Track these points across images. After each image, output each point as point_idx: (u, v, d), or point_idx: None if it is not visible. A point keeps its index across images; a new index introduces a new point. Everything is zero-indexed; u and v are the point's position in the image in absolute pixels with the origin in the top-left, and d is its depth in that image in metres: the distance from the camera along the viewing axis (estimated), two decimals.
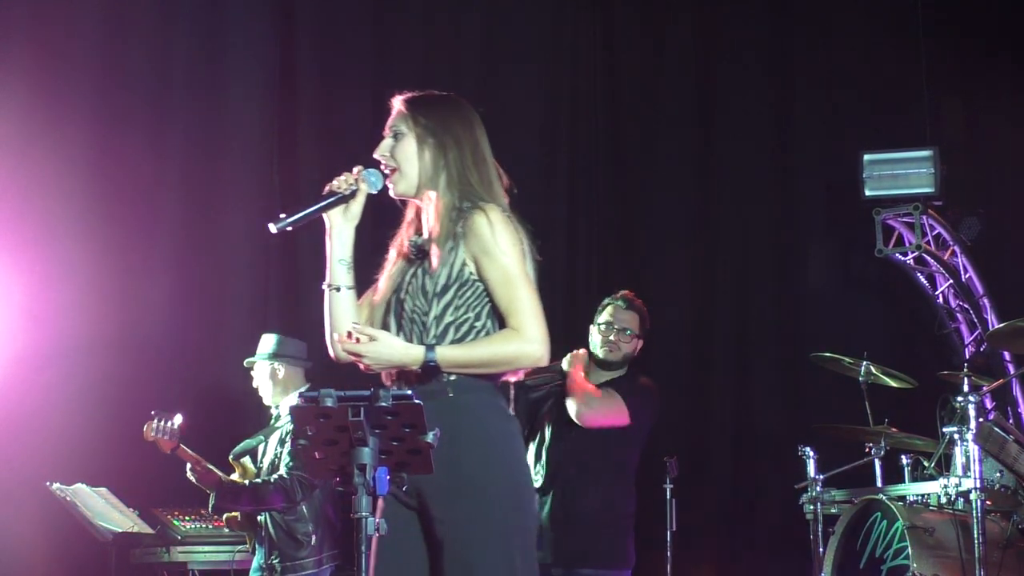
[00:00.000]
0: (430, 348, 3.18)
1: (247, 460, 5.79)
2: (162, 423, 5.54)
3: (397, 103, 3.45)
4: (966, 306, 7.53)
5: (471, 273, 3.26)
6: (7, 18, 6.64)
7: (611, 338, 5.47)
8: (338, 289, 3.36)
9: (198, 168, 7.07)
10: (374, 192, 3.36)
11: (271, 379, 5.83)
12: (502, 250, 3.24)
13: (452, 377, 3.21)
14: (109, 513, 6.03)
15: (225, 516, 5.83)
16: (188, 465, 5.57)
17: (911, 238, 7.42)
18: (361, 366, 3.24)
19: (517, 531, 3.19)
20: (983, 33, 7.67)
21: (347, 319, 3.33)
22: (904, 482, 5.54)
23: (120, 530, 5.99)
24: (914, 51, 7.79)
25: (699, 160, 8.12)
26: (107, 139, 6.78)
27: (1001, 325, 5.77)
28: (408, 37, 7.69)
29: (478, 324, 3.27)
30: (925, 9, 7.80)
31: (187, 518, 6.11)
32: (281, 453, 5.67)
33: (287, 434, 5.61)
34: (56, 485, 5.99)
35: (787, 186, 8.02)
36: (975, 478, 5.02)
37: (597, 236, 8.05)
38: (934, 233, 7.52)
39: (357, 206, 3.36)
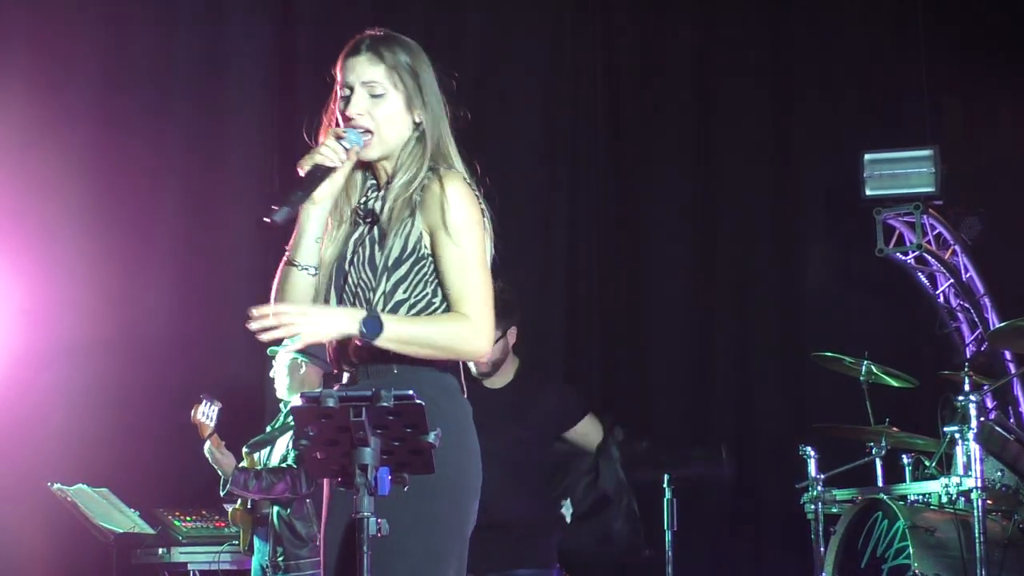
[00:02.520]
0: (373, 314, 2.89)
1: (257, 453, 5.79)
2: (208, 408, 5.56)
3: (367, 51, 3.09)
4: (967, 305, 7.52)
5: (426, 247, 2.98)
6: (7, 20, 6.64)
7: None
8: (304, 269, 3.03)
9: (198, 169, 7.06)
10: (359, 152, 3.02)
11: (290, 373, 5.82)
12: (459, 227, 2.93)
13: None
14: (110, 513, 6.03)
15: (230, 510, 5.83)
16: (207, 447, 5.56)
17: (912, 238, 7.41)
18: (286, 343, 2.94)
19: (454, 518, 3.00)
20: (983, 33, 7.67)
21: (302, 300, 3.03)
22: (905, 482, 5.54)
23: (121, 531, 5.99)
24: (914, 51, 7.78)
25: (699, 160, 8.11)
26: (107, 140, 6.77)
27: (1002, 324, 5.77)
28: (407, 36, 7.67)
29: (435, 301, 3.01)
30: (925, 9, 7.80)
31: (188, 519, 6.11)
32: (291, 447, 5.68)
33: None
34: (57, 485, 5.99)
35: (787, 186, 8.02)
36: (976, 477, 5.02)
37: (597, 236, 8.04)
38: (935, 232, 7.52)
39: (341, 176, 3.00)
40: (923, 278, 7.63)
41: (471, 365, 4.94)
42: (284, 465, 5.59)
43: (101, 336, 6.53)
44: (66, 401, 6.44)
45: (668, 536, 5.85)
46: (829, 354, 5.92)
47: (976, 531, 4.96)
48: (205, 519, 6.15)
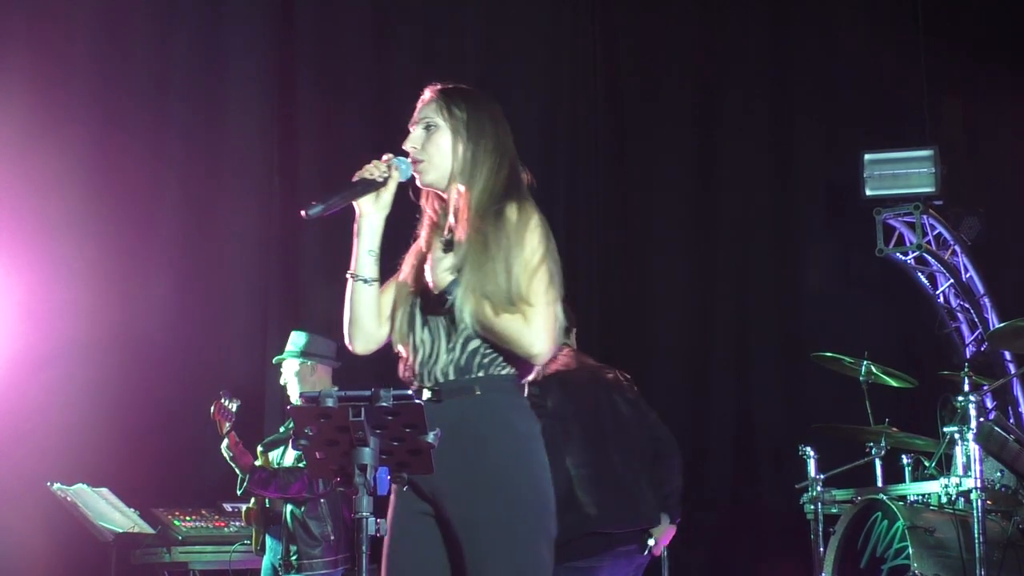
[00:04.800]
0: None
1: (271, 453, 5.79)
2: (227, 403, 5.58)
3: (429, 93, 3.36)
4: (967, 305, 7.53)
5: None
6: (7, 20, 6.64)
7: None
8: (365, 281, 3.30)
9: (198, 169, 7.06)
10: (404, 180, 3.29)
11: (300, 377, 5.83)
12: (530, 242, 3.17)
13: (480, 374, 3.16)
14: (110, 513, 6.03)
15: (244, 509, 5.83)
16: (225, 444, 5.56)
17: (911, 238, 7.42)
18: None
19: (539, 532, 3.12)
20: (983, 33, 7.68)
21: (369, 313, 3.29)
22: (905, 482, 5.54)
23: (121, 530, 5.99)
24: (914, 51, 7.79)
25: (699, 160, 8.12)
26: (107, 140, 6.77)
27: (1002, 324, 5.77)
28: (407, 38, 7.69)
29: None
30: (925, 9, 7.80)
31: (188, 518, 6.11)
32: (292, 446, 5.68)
33: None
34: (57, 485, 5.99)
35: (787, 186, 8.02)
36: (976, 478, 5.02)
37: (597, 236, 8.05)
38: (934, 233, 7.52)
39: (388, 195, 3.27)
40: (923, 278, 7.63)
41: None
42: (301, 465, 5.59)
43: (101, 336, 6.53)
44: (66, 401, 6.44)
45: None
46: (829, 354, 5.92)
47: (975, 531, 4.96)
48: (205, 519, 6.15)
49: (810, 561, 5.67)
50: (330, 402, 2.80)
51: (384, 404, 2.80)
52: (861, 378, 5.83)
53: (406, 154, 3.31)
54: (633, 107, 8.14)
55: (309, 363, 5.82)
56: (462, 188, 3.27)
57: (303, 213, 3.17)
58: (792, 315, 7.84)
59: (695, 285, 7.96)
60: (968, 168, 7.72)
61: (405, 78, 7.60)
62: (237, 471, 5.60)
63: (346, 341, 3.35)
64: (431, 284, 3.24)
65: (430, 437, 2.83)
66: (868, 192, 7.39)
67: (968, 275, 7.52)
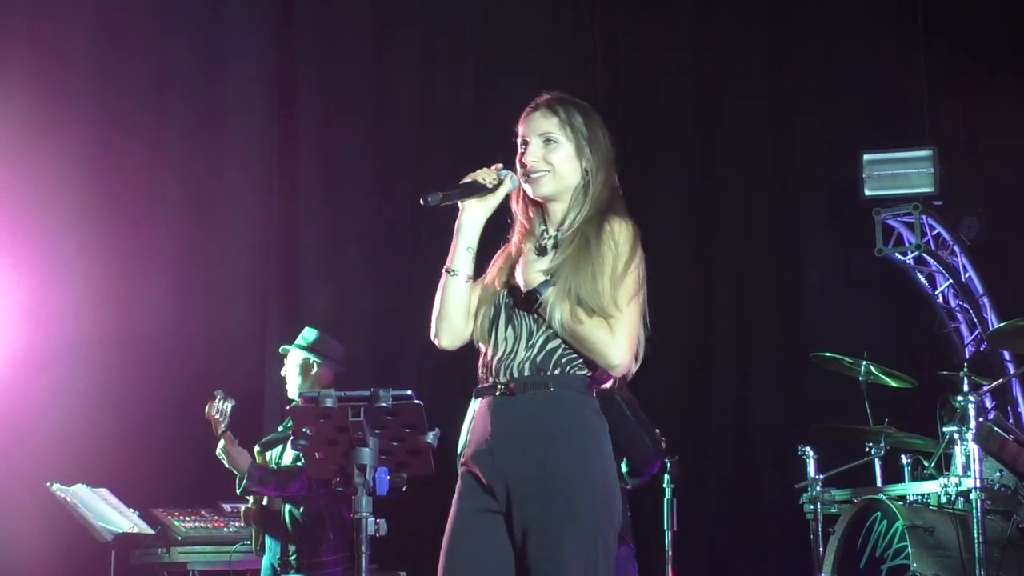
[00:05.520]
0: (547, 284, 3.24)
1: (269, 452, 5.79)
2: (222, 404, 5.58)
3: (544, 106, 3.45)
4: (966, 305, 7.52)
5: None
6: (7, 20, 6.64)
7: None
8: (459, 275, 3.36)
9: (198, 169, 7.07)
10: (511, 191, 3.41)
11: (302, 372, 5.82)
12: (629, 255, 3.31)
13: (556, 372, 3.23)
14: (109, 513, 6.03)
15: (243, 509, 5.83)
16: (220, 445, 5.55)
17: (911, 238, 7.42)
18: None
19: (607, 528, 3.19)
20: (983, 33, 7.67)
21: (459, 308, 3.35)
22: (904, 482, 5.54)
23: (120, 530, 5.99)
24: (914, 51, 7.79)
25: (699, 160, 8.11)
26: (107, 141, 6.78)
27: (1001, 324, 5.77)
28: (407, 38, 7.69)
29: None
30: (925, 9, 7.80)
31: (187, 519, 6.10)
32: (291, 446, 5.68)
33: None
34: (56, 485, 5.99)
35: (787, 186, 8.02)
36: (975, 478, 5.02)
37: None
38: (934, 233, 7.52)
39: (495, 199, 3.38)
40: (922, 278, 7.63)
41: None
42: (299, 464, 5.59)
43: (101, 336, 6.53)
44: (66, 401, 6.44)
45: (668, 536, 5.85)
46: (828, 354, 5.92)
47: (975, 531, 4.97)
48: (204, 519, 6.14)
49: (810, 561, 5.67)
50: (329, 402, 2.81)
51: (383, 404, 2.80)
52: (860, 378, 5.84)
53: (508, 165, 3.41)
54: (633, 107, 8.14)
55: (313, 359, 5.81)
56: (568, 199, 3.39)
57: (422, 200, 3.27)
58: (792, 315, 7.84)
59: (695, 285, 7.96)
60: (968, 168, 7.71)
61: (405, 78, 7.61)
62: (234, 471, 5.60)
63: (432, 335, 3.39)
64: (522, 284, 3.31)
65: (429, 437, 2.84)
66: (867, 192, 7.39)
67: (967, 275, 7.52)
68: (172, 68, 7.11)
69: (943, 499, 5.18)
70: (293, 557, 5.62)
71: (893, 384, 5.94)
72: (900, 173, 7.35)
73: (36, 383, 6.43)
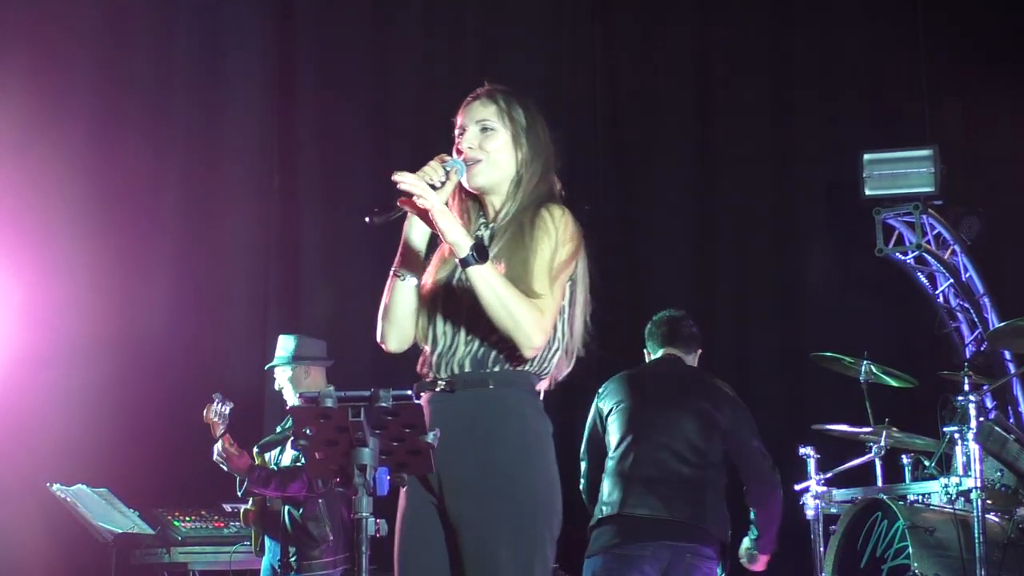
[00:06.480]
0: (484, 245, 3.17)
1: (267, 454, 5.79)
2: (220, 407, 5.57)
3: (484, 95, 3.45)
4: (966, 305, 7.52)
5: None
6: (7, 20, 6.64)
7: None
8: (403, 279, 3.33)
9: (198, 169, 7.07)
10: (459, 180, 3.31)
11: (294, 382, 5.82)
12: (559, 238, 3.27)
13: (495, 368, 3.19)
14: (109, 514, 6.03)
15: (243, 511, 5.83)
16: (218, 448, 5.54)
17: (911, 237, 7.41)
18: (409, 208, 3.17)
19: (545, 531, 3.15)
20: (983, 33, 7.67)
21: (408, 311, 3.31)
22: (905, 482, 5.53)
23: (120, 531, 5.99)
24: (914, 51, 7.79)
25: (699, 160, 8.11)
26: (107, 140, 6.78)
27: (1001, 324, 5.77)
28: (408, 38, 7.69)
29: None
30: (925, 9, 7.80)
31: (187, 519, 6.11)
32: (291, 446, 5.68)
33: None
34: (56, 486, 5.99)
35: (787, 186, 8.02)
36: (976, 477, 5.01)
37: (596, 236, 8.04)
38: (934, 232, 7.52)
39: (444, 194, 3.25)
40: (923, 278, 7.63)
41: None
42: (298, 465, 5.58)
43: (101, 336, 6.53)
44: (66, 401, 6.44)
45: None
46: (828, 354, 5.92)
47: (976, 531, 4.96)
48: (204, 519, 6.15)
49: (810, 561, 5.67)
50: (330, 402, 2.80)
51: (383, 404, 2.80)
52: (861, 378, 5.83)
53: (450, 152, 3.33)
54: (633, 107, 8.13)
55: (302, 366, 5.82)
56: (505, 191, 3.35)
57: (368, 220, 3.21)
58: (792, 315, 7.84)
59: (695, 285, 7.95)
60: (968, 168, 7.71)
61: (405, 78, 7.61)
62: (233, 472, 5.60)
63: (379, 338, 3.37)
64: (455, 277, 3.27)
65: (429, 437, 2.83)
66: (868, 192, 7.39)
67: (968, 275, 7.52)
68: (173, 68, 7.12)
69: (944, 499, 5.17)
70: (293, 558, 5.62)
71: (893, 384, 5.93)
72: (900, 173, 7.35)
73: (36, 383, 6.43)
